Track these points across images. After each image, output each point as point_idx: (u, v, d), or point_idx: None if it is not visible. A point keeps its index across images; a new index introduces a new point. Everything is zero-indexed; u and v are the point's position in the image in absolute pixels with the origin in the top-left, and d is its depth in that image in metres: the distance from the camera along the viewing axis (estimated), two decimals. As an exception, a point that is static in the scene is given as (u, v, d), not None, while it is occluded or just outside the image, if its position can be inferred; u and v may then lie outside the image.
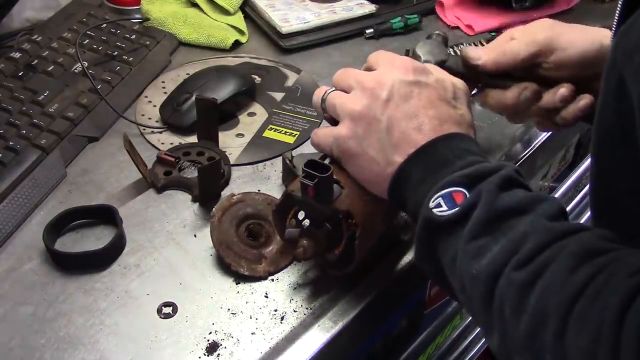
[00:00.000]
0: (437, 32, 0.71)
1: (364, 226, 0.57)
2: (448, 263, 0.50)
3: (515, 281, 0.44)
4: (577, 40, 0.63)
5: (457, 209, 0.49)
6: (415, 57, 0.67)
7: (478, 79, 0.67)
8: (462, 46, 0.67)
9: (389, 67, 0.58)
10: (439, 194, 0.51)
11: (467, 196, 0.49)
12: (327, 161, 0.59)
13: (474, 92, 0.71)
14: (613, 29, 0.47)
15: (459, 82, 0.61)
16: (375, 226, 0.60)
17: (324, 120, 0.83)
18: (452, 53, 0.70)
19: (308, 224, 0.59)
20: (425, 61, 0.66)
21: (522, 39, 0.65)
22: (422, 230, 0.52)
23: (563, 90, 0.64)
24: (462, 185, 0.50)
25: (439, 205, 0.50)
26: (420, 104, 0.56)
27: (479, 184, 0.50)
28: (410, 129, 0.55)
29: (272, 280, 0.63)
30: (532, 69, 0.65)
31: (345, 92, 0.59)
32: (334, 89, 0.60)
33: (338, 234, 0.58)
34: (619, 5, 0.45)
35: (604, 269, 0.41)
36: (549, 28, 0.65)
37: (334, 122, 0.60)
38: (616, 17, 0.46)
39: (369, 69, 0.61)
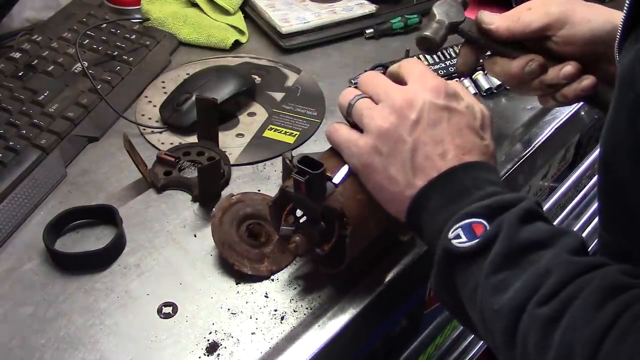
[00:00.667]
0: None
1: (356, 225, 0.58)
2: (467, 295, 0.50)
3: (540, 317, 0.43)
4: (590, 17, 0.63)
5: (477, 240, 0.49)
6: (432, 15, 0.68)
7: (489, 44, 0.68)
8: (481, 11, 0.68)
9: (421, 85, 0.57)
10: (458, 224, 0.50)
11: (487, 228, 0.49)
12: (346, 168, 0.59)
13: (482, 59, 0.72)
14: (617, 38, 0.46)
15: (485, 110, 0.60)
16: (369, 227, 0.60)
17: (324, 119, 0.84)
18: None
19: (303, 221, 0.60)
20: (440, 20, 0.68)
21: (537, 9, 0.65)
22: (441, 261, 0.51)
23: (569, 67, 0.64)
24: (482, 216, 0.49)
25: (458, 237, 0.50)
26: (449, 130, 0.55)
27: (499, 216, 0.49)
28: (435, 155, 0.55)
29: (272, 280, 0.63)
30: (543, 41, 0.66)
31: (372, 99, 0.59)
32: (362, 95, 0.59)
33: (331, 231, 0.58)
34: (622, 18, 0.45)
35: (629, 306, 0.41)
36: (565, 2, 0.65)
37: (356, 127, 0.59)
38: (619, 32, 0.46)
39: (398, 78, 0.60)
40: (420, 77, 0.58)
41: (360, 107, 0.58)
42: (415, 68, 0.59)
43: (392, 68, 0.61)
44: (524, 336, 0.44)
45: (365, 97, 0.59)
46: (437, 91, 0.57)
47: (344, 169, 0.59)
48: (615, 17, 0.63)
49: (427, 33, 0.67)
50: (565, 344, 0.41)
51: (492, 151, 0.58)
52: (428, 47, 0.68)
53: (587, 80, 0.64)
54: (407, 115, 0.55)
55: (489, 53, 0.70)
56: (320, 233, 0.59)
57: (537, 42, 0.66)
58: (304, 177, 0.55)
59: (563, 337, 0.42)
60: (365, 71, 0.73)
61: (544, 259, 0.46)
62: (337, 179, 0.58)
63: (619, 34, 0.46)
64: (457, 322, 0.55)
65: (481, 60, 0.72)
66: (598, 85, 0.65)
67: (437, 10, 0.69)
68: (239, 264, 0.63)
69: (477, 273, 0.48)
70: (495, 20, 0.66)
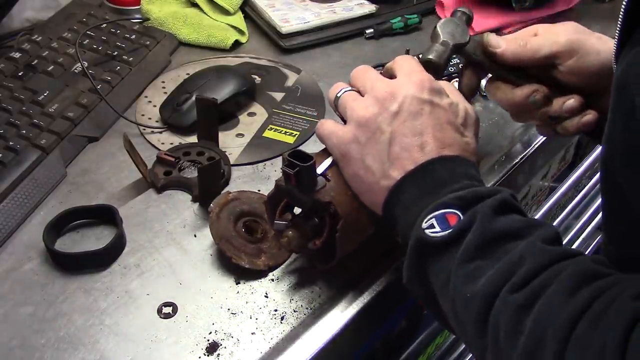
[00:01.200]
0: (462, 9, 0.68)
1: (347, 220, 0.58)
2: (439, 286, 0.50)
3: (512, 303, 0.43)
4: (599, 50, 0.62)
5: (450, 230, 0.49)
6: (435, 36, 0.66)
7: (493, 68, 0.66)
8: (488, 33, 0.66)
9: (407, 79, 0.58)
10: (432, 214, 0.50)
11: (461, 218, 0.49)
12: (330, 160, 0.60)
13: (484, 81, 0.71)
14: (614, 48, 0.46)
15: (471, 110, 0.60)
16: (361, 222, 0.60)
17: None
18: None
19: (296, 216, 0.60)
20: (444, 41, 0.65)
21: (545, 36, 0.64)
22: (414, 251, 0.51)
23: (572, 101, 0.64)
24: (456, 207, 0.50)
25: (431, 226, 0.50)
26: (428, 123, 0.56)
27: (473, 207, 0.49)
28: (412, 146, 0.55)
29: (272, 280, 0.63)
30: (548, 70, 0.64)
31: (360, 92, 0.59)
32: (349, 88, 0.60)
33: (323, 226, 0.58)
34: (619, 23, 0.45)
35: (603, 292, 0.41)
36: (574, 32, 0.63)
37: (344, 120, 0.60)
38: (617, 35, 0.45)
39: (390, 72, 0.60)
40: (408, 72, 0.59)
41: (346, 99, 0.59)
42: (406, 64, 0.60)
43: (388, 64, 0.62)
44: (495, 323, 0.44)
45: (352, 89, 0.60)
46: (421, 85, 0.57)
47: (328, 161, 0.60)
48: None
49: (431, 57, 0.64)
50: (537, 329, 0.41)
51: (472, 149, 0.58)
52: (433, 70, 0.63)
53: (590, 116, 0.64)
54: (388, 106, 0.56)
55: (490, 75, 0.69)
56: (312, 228, 0.59)
57: (543, 70, 0.65)
58: (293, 169, 0.55)
59: (535, 322, 0.42)
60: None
61: (517, 249, 0.46)
62: (319, 169, 0.59)
63: (615, 42, 0.46)
64: (430, 313, 0.55)
65: (483, 82, 0.71)
66: (601, 120, 0.63)
67: (442, 31, 0.66)
68: (236, 258, 0.63)
69: (450, 263, 0.48)
70: (501, 44, 0.64)
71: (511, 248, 0.47)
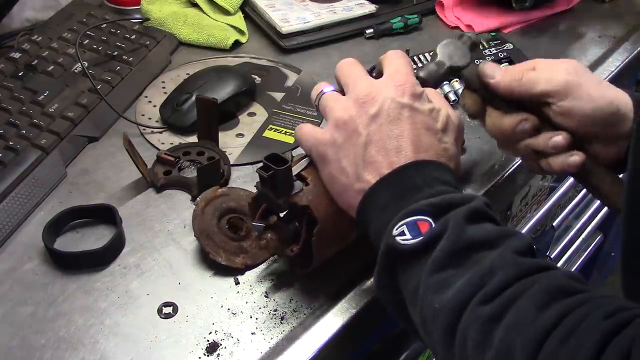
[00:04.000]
0: (469, 34, 0.67)
1: (325, 224, 0.58)
2: (409, 294, 0.49)
3: (481, 316, 0.43)
4: (595, 95, 0.60)
5: (421, 238, 0.48)
6: (434, 54, 0.65)
7: (487, 96, 0.64)
8: (485, 60, 0.64)
9: (389, 81, 0.57)
10: (403, 221, 0.49)
11: (433, 226, 0.48)
12: (305, 160, 0.60)
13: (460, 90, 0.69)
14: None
15: (454, 116, 0.60)
16: (341, 228, 0.60)
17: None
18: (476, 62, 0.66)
19: (277, 220, 0.60)
20: (440, 62, 0.64)
21: (542, 72, 0.61)
22: (384, 258, 0.50)
23: (559, 138, 0.61)
24: (428, 214, 0.49)
25: (402, 234, 0.49)
26: (405, 128, 0.55)
27: (445, 214, 0.49)
28: (388, 150, 0.54)
29: (272, 280, 0.63)
30: (541, 107, 0.62)
31: (342, 90, 0.59)
32: (331, 88, 0.60)
33: (301, 232, 0.58)
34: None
35: (574, 309, 0.40)
36: (573, 72, 0.61)
37: None
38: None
39: (380, 67, 0.60)
40: (393, 74, 0.58)
41: (326, 99, 0.59)
42: (394, 63, 0.59)
43: (381, 57, 0.61)
44: (463, 335, 0.43)
45: (334, 90, 0.60)
46: (402, 89, 0.57)
47: (304, 161, 0.60)
48: (620, 99, 0.60)
49: (421, 74, 0.63)
50: (505, 343, 0.41)
51: (450, 154, 0.57)
52: (423, 86, 0.61)
53: (576, 157, 0.61)
54: (367, 109, 0.56)
55: (465, 87, 0.67)
56: (292, 232, 0.59)
57: (536, 105, 0.62)
58: (267, 172, 0.55)
59: (504, 336, 0.41)
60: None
61: (488, 259, 0.45)
62: (295, 170, 0.58)
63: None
64: (400, 323, 0.54)
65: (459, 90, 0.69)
66: (587, 164, 0.61)
67: (440, 51, 0.65)
68: (214, 254, 0.63)
69: (420, 271, 0.48)
70: (496, 75, 0.62)
71: (482, 258, 0.46)
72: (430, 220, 0.49)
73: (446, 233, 0.47)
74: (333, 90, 0.60)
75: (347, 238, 0.62)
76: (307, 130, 0.59)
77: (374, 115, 0.55)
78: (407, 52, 0.88)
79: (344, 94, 0.59)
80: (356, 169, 0.55)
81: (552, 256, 1.25)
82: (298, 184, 0.58)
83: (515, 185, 0.84)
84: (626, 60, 0.98)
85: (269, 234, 0.59)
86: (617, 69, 0.96)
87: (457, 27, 1.05)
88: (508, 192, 0.88)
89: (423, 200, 0.50)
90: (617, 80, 0.95)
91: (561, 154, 0.61)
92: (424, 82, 0.62)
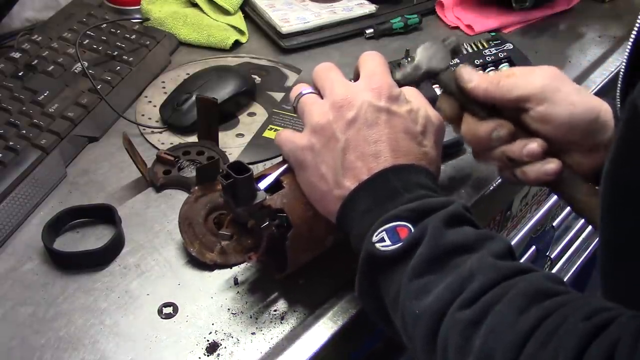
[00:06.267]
0: (452, 38, 0.66)
1: (299, 229, 0.57)
2: (390, 301, 0.49)
3: (461, 320, 0.42)
4: (573, 101, 0.58)
5: (400, 244, 0.48)
6: (412, 57, 0.64)
7: (464, 101, 0.63)
8: (464, 64, 0.63)
9: (366, 84, 0.57)
10: (382, 227, 0.49)
11: (412, 231, 0.48)
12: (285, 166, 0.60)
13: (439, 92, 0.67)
14: (619, 82, 0.43)
15: (434, 116, 0.59)
16: (316, 232, 0.59)
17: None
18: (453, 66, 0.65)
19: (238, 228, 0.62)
20: (416, 66, 0.63)
21: (520, 78, 0.60)
22: (364, 265, 0.50)
23: (534, 145, 0.59)
24: (407, 219, 0.49)
25: (382, 240, 0.49)
26: (383, 132, 0.54)
27: (424, 219, 0.48)
28: (366, 156, 0.54)
29: (272, 280, 0.63)
30: (518, 112, 0.60)
31: (320, 92, 0.58)
32: (309, 90, 0.59)
33: (261, 241, 0.58)
34: (625, 57, 0.42)
35: (553, 312, 0.40)
36: (551, 77, 0.59)
37: None
38: (622, 71, 0.43)
39: (357, 70, 0.60)
40: (368, 76, 0.57)
41: (304, 103, 0.58)
42: (369, 65, 0.59)
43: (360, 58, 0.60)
44: (444, 341, 0.43)
45: (312, 92, 0.59)
46: (379, 92, 0.56)
47: (282, 168, 0.60)
48: (599, 107, 0.58)
49: (397, 76, 0.62)
50: (485, 348, 0.41)
51: (430, 157, 0.56)
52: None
53: (552, 164, 0.59)
54: (344, 113, 0.55)
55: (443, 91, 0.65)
56: (255, 240, 0.60)
57: (513, 112, 0.61)
58: (227, 180, 0.55)
59: (484, 340, 0.41)
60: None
61: (468, 263, 0.45)
62: (263, 184, 0.58)
63: (619, 83, 0.43)
64: (385, 330, 0.54)
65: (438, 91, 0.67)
66: (563, 172, 0.59)
67: (419, 54, 0.64)
68: (188, 243, 0.63)
69: (400, 277, 0.47)
70: (474, 79, 0.61)
71: (461, 262, 0.46)
72: (410, 226, 0.49)
73: (425, 238, 0.47)
74: (311, 93, 0.59)
75: (324, 243, 0.61)
76: (286, 135, 0.59)
77: (351, 119, 0.55)
78: (407, 52, 0.88)
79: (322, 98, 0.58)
80: (335, 175, 0.54)
81: (552, 256, 1.25)
82: (260, 194, 0.57)
83: (515, 185, 0.83)
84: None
85: (224, 241, 0.60)
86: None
87: (457, 27, 1.06)
88: (508, 192, 0.88)
89: (402, 206, 0.50)
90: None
91: (537, 162, 0.60)
92: (400, 85, 0.61)
